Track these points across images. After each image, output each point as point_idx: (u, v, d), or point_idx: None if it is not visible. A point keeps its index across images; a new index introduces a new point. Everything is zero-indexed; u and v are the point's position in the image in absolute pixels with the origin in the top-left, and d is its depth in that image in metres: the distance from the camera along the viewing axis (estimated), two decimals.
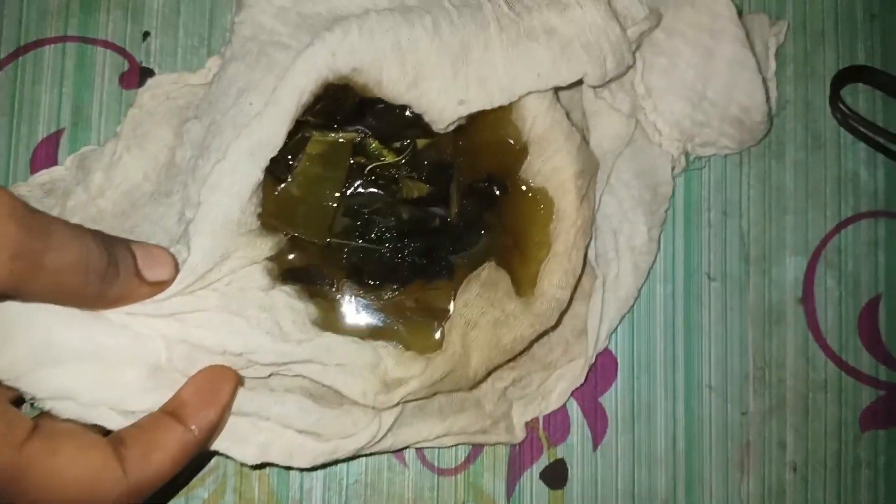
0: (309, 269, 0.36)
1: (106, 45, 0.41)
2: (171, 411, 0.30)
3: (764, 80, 0.41)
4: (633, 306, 0.42)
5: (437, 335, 0.36)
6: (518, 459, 0.41)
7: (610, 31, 0.36)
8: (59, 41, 0.41)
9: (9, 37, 0.41)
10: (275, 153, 0.33)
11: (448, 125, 0.36)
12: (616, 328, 0.41)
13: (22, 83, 0.41)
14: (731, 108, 0.41)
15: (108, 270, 0.27)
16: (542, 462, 0.41)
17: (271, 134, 0.32)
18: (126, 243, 0.29)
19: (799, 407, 0.43)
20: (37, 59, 0.41)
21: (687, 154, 0.42)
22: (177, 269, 0.30)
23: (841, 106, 0.43)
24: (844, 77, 0.44)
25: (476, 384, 0.37)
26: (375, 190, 0.37)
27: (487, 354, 0.35)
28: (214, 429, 0.30)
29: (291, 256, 0.36)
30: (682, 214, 0.43)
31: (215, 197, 0.32)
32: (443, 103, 0.35)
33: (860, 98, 0.44)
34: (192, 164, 0.35)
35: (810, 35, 0.45)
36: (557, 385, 0.41)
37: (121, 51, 0.41)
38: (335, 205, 0.36)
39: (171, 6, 0.42)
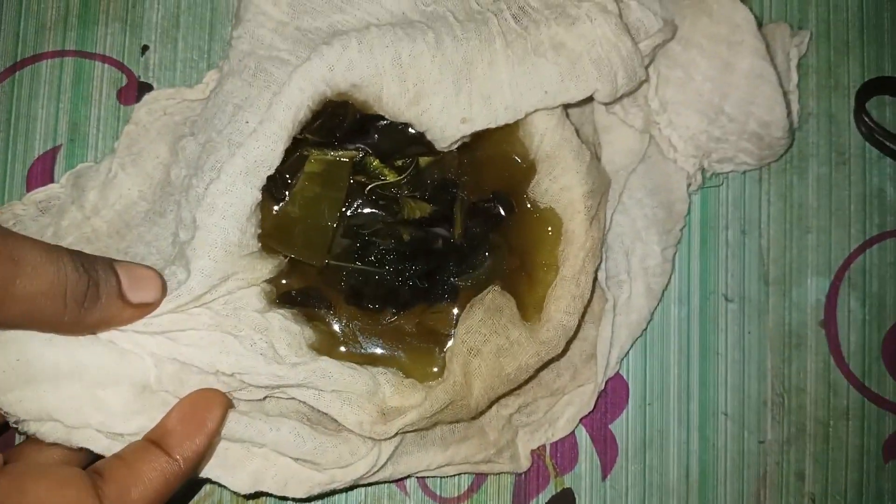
0: (307, 292, 0.35)
1: (104, 59, 0.40)
2: (155, 440, 0.28)
3: (785, 94, 0.39)
4: (645, 329, 0.40)
5: (438, 363, 0.35)
6: (524, 488, 0.40)
7: (621, 46, 0.34)
8: (56, 55, 0.40)
9: (6, 51, 0.40)
10: (271, 172, 0.32)
11: (451, 144, 0.34)
12: (628, 352, 0.40)
13: (19, 98, 0.40)
14: (749, 123, 0.39)
15: (87, 294, 0.26)
16: (549, 491, 0.40)
17: (267, 152, 0.31)
18: (109, 263, 0.28)
19: (819, 435, 0.41)
20: (34, 73, 0.40)
21: (703, 170, 0.41)
22: (164, 291, 0.29)
23: (866, 119, 0.41)
24: (870, 89, 0.42)
25: (478, 414, 0.35)
26: (376, 210, 0.36)
27: (490, 384, 0.34)
28: (201, 458, 0.29)
29: (289, 279, 0.35)
30: (698, 233, 0.41)
31: (212, 219, 0.31)
32: (445, 121, 0.33)
33: (887, 111, 0.42)
34: (186, 183, 0.34)
35: (834, 45, 0.42)
36: (565, 411, 0.39)
37: (119, 65, 0.40)
38: (334, 225, 0.35)
39: (171, 19, 0.41)
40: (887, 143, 0.41)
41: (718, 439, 0.40)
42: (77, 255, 0.26)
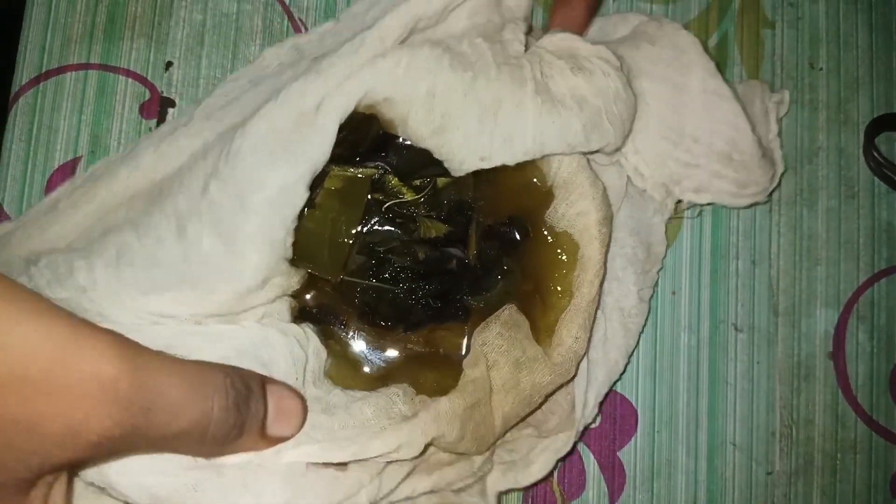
0: (323, 308, 0.35)
1: (128, 73, 0.41)
2: None
3: (750, 120, 0.38)
4: (622, 374, 0.39)
5: (451, 379, 0.35)
6: None
7: (628, 98, 0.35)
8: (81, 68, 0.41)
9: (31, 62, 0.41)
10: (318, 172, 0.32)
11: (465, 172, 0.35)
12: (606, 396, 0.38)
13: (42, 109, 0.40)
14: (715, 142, 0.38)
15: (229, 436, 0.23)
16: None
17: (320, 153, 0.31)
18: (262, 392, 0.26)
19: (827, 468, 0.41)
20: (58, 85, 0.41)
21: (679, 201, 0.40)
22: (304, 421, 0.28)
23: (875, 154, 0.42)
24: (879, 125, 0.42)
25: (497, 436, 0.35)
26: (392, 228, 0.36)
27: (507, 398, 0.33)
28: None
29: (304, 294, 0.35)
30: (708, 262, 0.42)
31: (262, 210, 0.30)
32: (464, 155, 0.34)
33: (895, 146, 0.43)
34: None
35: (844, 82, 0.43)
36: (541, 457, 0.37)
37: (142, 80, 0.41)
38: (351, 241, 0.35)
39: (195, 36, 0.42)
40: (895, 178, 0.42)
41: (727, 469, 0.40)
42: (231, 389, 0.23)
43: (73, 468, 0.21)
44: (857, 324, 0.42)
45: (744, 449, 0.40)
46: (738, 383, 0.41)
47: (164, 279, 0.29)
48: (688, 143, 0.38)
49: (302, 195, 0.31)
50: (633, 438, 0.40)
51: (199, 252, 0.30)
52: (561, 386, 0.36)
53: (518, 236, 0.37)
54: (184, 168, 0.33)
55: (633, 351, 0.39)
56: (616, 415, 0.40)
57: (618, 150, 0.37)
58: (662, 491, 0.40)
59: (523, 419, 0.36)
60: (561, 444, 0.37)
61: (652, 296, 0.40)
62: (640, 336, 0.39)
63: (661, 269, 0.40)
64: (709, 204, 0.40)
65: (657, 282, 0.40)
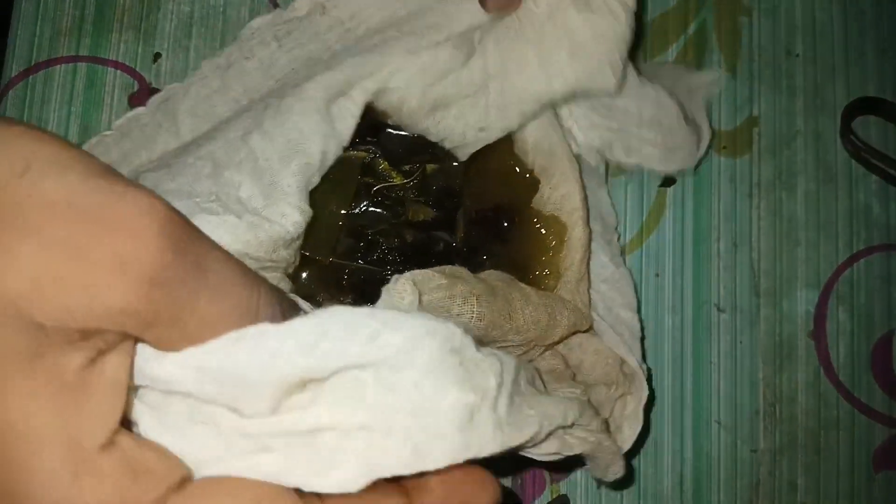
0: (312, 290, 0.36)
1: (116, 65, 0.42)
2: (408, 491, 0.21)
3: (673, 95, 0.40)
4: (644, 329, 0.39)
5: None
6: (520, 495, 0.40)
7: (628, 38, 0.35)
8: (70, 61, 0.41)
9: (21, 55, 0.41)
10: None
11: (470, 151, 0.35)
12: (643, 353, 0.39)
13: (31, 102, 0.41)
14: (644, 111, 0.39)
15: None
16: (545, 498, 0.40)
17: (349, 128, 0.32)
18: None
19: (810, 445, 0.41)
20: (47, 77, 0.41)
21: (607, 162, 0.41)
22: None
23: (852, 138, 0.43)
24: (855, 109, 0.43)
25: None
26: (381, 210, 0.37)
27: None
28: None
29: (304, 275, 0.35)
30: (691, 245, 0.43)
31: (303, 172, 0.31)
32: (462, 128, 0.34)
33: (871, 130, 0.44)
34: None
35: (820, 68, 0.44)
36: (625, 423, 0.36)
37: (131, 71, 0.42)
38: (340, 222, 0.36)
39: (184, 28, 0.42)
40: (873, 161, 0.43)
41: (712, 448, 0.41)
42: (275, 291, 0.21)
43: (125, 338, 0.18)
44: (838, 303, 0.42)
45: (728, 428, 0.41)
46: (721, 363, 0.42)
47: (195, 210, 0.29)
48: (617, 114, 0.39)
49: (326, 167, 0.32)
50: None
51: (236, 196, 0.30)
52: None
53: (504, 224, 0.38)
54: (221, 123, 0.34)
55: (640, 307, 0.40)
56: None
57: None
58: (649, 470, 0.41)
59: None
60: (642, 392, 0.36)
61: (623, 260, 0.40)
62: (636, 292, 0.40)
63: (618, 238, 0.41)
64: (636, 169, 0.41)
65: (641, 262, 0.41)
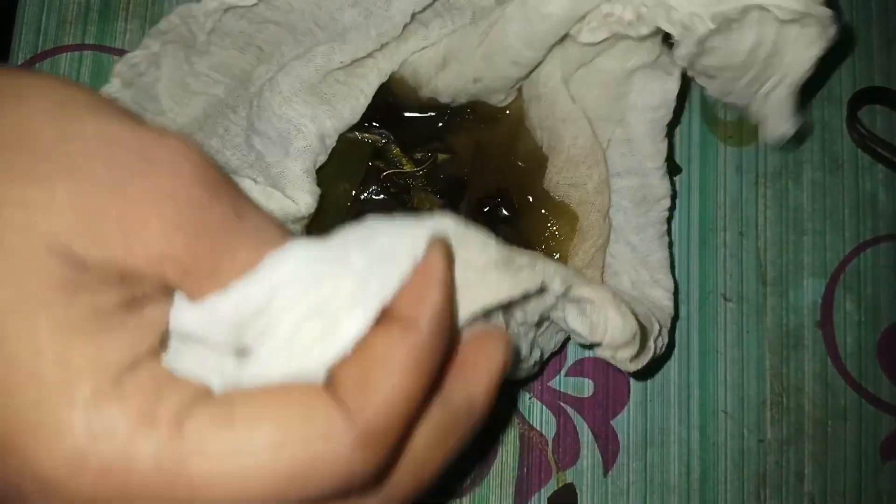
0: None
1: (122, 54, 0.41)
2: (381, 322, 0.19)
3: None
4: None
5: None
6: (526, 483, 0.40)
7: None
8: (76, 49, 0.41)
9: (27, 43, 0.41)
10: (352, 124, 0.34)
11: (506, 99, 0.36)
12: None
13: None
14: None
15: None
16: (551, 486, 0.40)
17: (358, 106, 0.34)
18: None
19: (818, 435, 0.41)
20: (53, 66, 0.41)
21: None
22: None
23: (858, 127, 0.43)
24: (861, 98, 0.43)
25: None
26: (387, 197, 0.37)
27: None
28: (444, 315, 0.19)
29: None
30: (697, 234, 0.42)
31: (303, 156, 0.32)
32: (463, 84, 0.35)
33: (878, 120, 0.44)
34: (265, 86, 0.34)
35: (827, 58, 0.44)
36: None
37: None
38: (349, 204, 0.36)
39: None
40: (879, 150, 0.43)
41: (719, 437, 0.41)
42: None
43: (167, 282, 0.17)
44: (845, 293, 0.42)
45: (735, 417, 0.41)
46: (728, 352, 0.41)
47: None
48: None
49: (330, 146, 0.32)
50: (626, 408, 0.41)
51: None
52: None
53: (506, 212, 0.38)
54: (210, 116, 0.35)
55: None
56: (609, 384, 0.41)
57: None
58: (656, 458, 0.40)
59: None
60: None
61: (661, 234, 0.38)
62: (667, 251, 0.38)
63: (670, 206, 0.38)
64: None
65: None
